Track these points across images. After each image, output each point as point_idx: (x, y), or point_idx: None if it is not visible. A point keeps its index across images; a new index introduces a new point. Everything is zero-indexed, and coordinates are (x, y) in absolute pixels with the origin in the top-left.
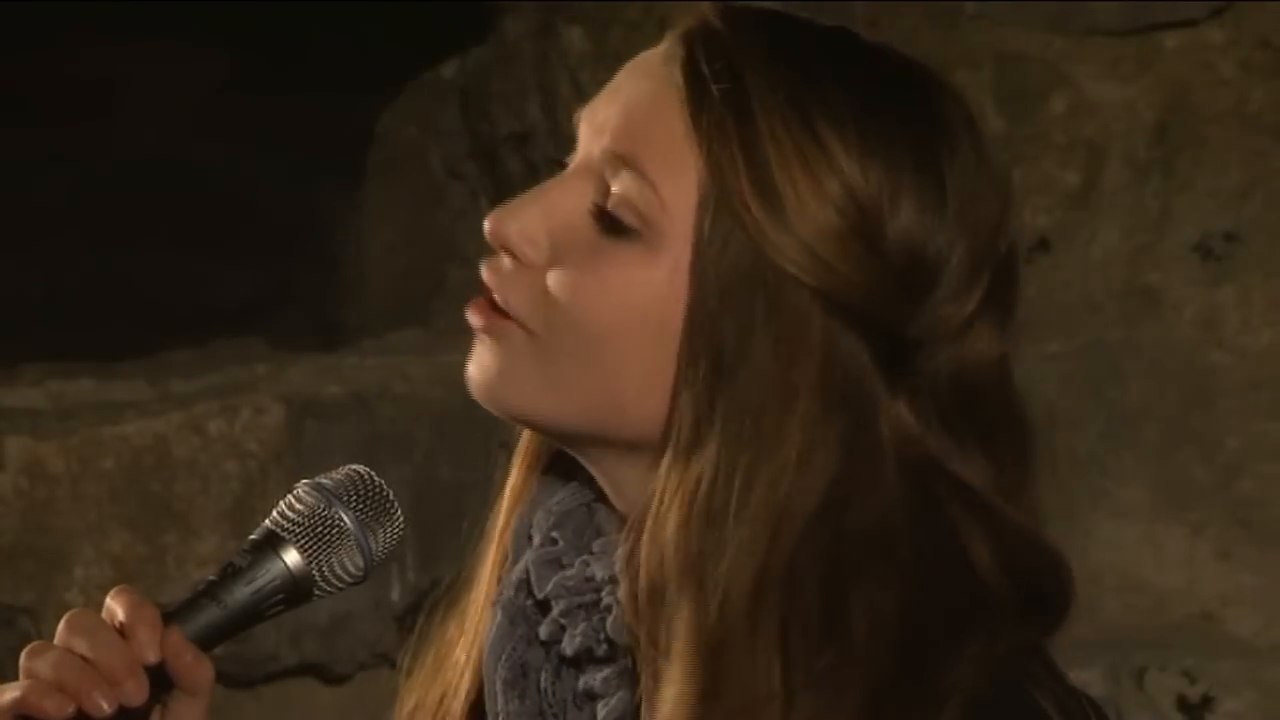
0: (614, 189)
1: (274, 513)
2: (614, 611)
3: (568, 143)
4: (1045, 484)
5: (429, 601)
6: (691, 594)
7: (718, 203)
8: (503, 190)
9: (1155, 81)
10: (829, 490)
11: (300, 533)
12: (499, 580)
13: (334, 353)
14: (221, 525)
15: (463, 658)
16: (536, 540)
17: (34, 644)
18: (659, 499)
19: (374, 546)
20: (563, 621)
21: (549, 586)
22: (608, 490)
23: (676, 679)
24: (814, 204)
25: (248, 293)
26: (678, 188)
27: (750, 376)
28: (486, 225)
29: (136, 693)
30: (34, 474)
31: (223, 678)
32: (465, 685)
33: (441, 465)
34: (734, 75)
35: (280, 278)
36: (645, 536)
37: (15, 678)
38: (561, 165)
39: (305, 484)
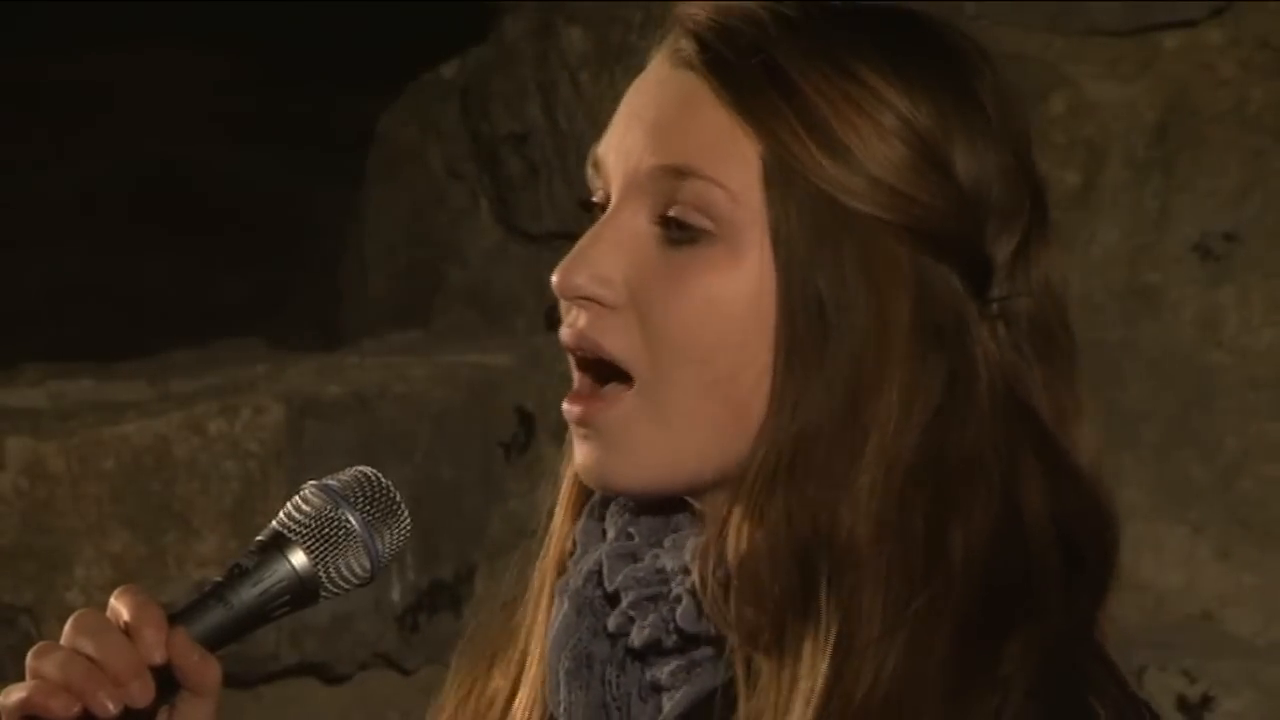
0: (678, 201)
1: (281, 514)
2: (684, 601)
3: (569, 144)
4: None
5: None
6: (808, 549)
7: (785, 173)
8: (503, 190)
9: (1155, 81)
10: (932, 422)
11: (307, 534)
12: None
13: (334, 353)
14: (221, 525)
15: (518, 656)
16: (611, 534)
17: (40, 645)
18: (758, 469)
19: (380, 548)
20: (631, 613)
21: (619, 578)
22: (698, 500)
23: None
24: (879, 142)
25: (248, 293)
26: (742, 176)
27: (850, 327)
28: (554, 282)
29: (141, 693)
30: (34, 474)
31: (222, 678)
32: (520, 685)
33: (441, 465)
34: (758, 50)
35: (280, 278)
36: (744, 511)
37: (15, 677)
38: (586, 207)
39: (312, 485)
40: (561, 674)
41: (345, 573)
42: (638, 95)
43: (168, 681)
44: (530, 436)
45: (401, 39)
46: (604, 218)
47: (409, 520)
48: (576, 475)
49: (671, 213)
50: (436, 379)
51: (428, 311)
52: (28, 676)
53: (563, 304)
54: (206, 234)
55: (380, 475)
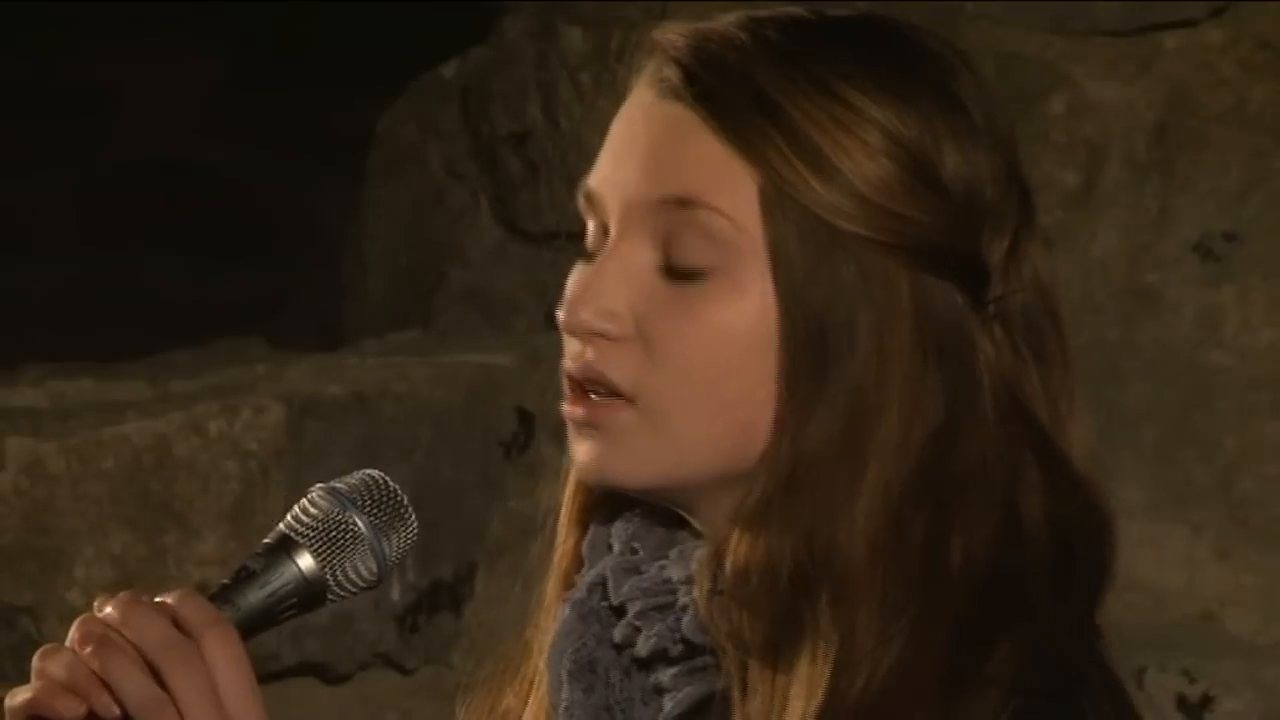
0: (680, 232)
1: (288, 517)
2: (690, 612)
3: (569, 144)
4: None
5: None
6: (803, 570)
7: (782, 199)
8: (503, 190)
9: (1155, 81)
10: (932, 440)
11: (314, 537)
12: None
13: (334, 353)
14: (221, 525)
15: (530, 674)
16: (616, 548)
17: (46, 646)
18: (758, 491)
19: (387, 551)
20: (637, 624)
21: (624, 590)
22: (695, 517)
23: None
24: (868, 162)
25: (248, 293)
26: (742, 204)
27: (850, 352)
28: (560, 319)
29: None
30: (34, 474)
31: None
32: (529, 701)
33: (441, 465)
34: (742, 75)
35: (280, 278)
36: (742, 530)
37: (15, 677)
38: (575, 238)
39: (319, 488)
40: (564, 674)
41: (352, 576)
42: (627, 127)
43: None
44: (530, 436)
45: (401, 39)
46: (606, 251)
47: (416, 524)
48: (576, 492)
49: (674, 244)
50: (436, 379)
51: (428, 311)
52: (33, 677)
53: (567, 337)
54: (206, 234)
55: (388, 479)
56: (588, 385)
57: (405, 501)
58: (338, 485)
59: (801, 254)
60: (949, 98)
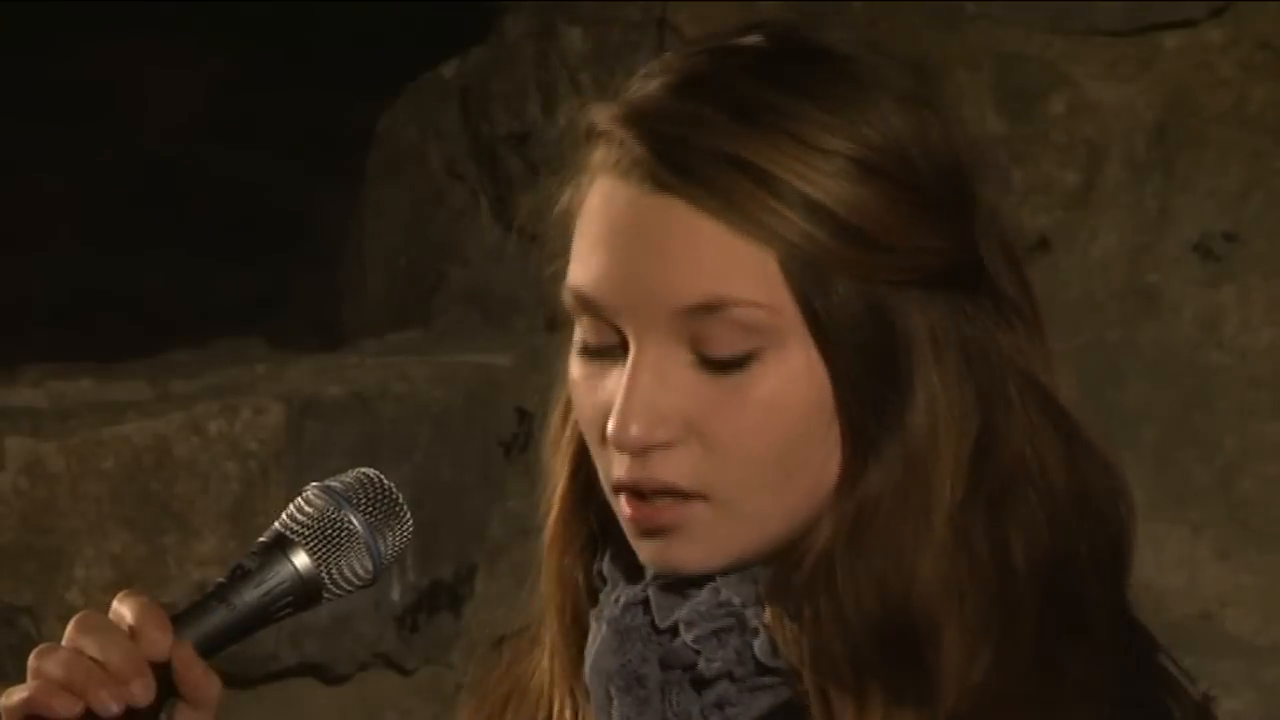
0: (714, 329)
1: (283, 515)
2: (761, 635)
3: (568, 144)
4: None
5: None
6: (881, 614)
7: (801, 265)
8: (503, 190)
9: (1155, 81)
10: (978, 446)
11: (309, 535)
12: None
13: (334, 353)
14: (221, 525)
15: (543, 682)
16: (651, 572)
17: (43, 645)
18: (823, 543)
19: (383, 549)
20: (696, 647)
21: (682, 612)
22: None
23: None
24: (850, 195)
25: (248, 293)
26: (769, 285)
27: (901, 391)
28: (611, 439)
29: (143, 692)
30: (34, 474)
31: (223, 678)
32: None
33: (441, 465)
34: (720, 151)
35: (280, 278)
36: (805, 582)
37: (15, 677)
38: (597, 311)
39: (314, 486)
40: (614, 691)
41: (348, 574)
42: (613, 226)
43: (169, 689)
44: (530, 436)
45: (401, 39)
46: (632, 358)
47: (411, 522)
48: (564, 512)
49: (708, 341)
50: (436, 379)
51: (427, 311)
52: (29, 676)
53: (613, 450)
54: (206, 234)
55: (383, 477)
56: (653, 495)
57: (400, 500)
58: (333, 484)
59: (837, 313)
60: (894, 94)
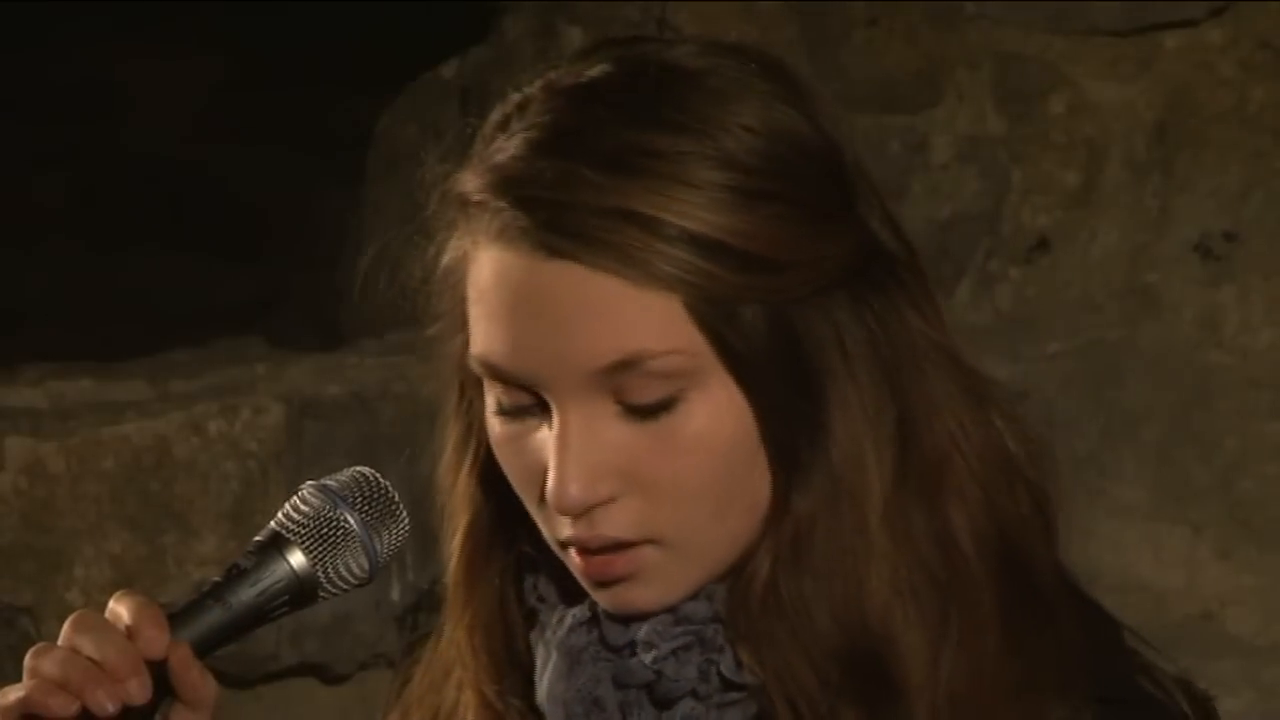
0: (633, 382)
1: (279, 514)
2: (727, 651)
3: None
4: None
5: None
6: (835, 630)
7: (705, 303)
8: None
9: (1155, 81)
10: (901, 436)
11: (305, 534)
12: (486, 614)
13: (334, 353)
14: (221, 525)
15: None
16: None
17: (39, 645)
18: (769, 562)
19: (379, 548)
20: (657, 667)
21: (640, 632)
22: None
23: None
24: (737, 223)
25: (248, 293)
26: (680, 331)
27: (822, 403)
28: (553, 504)
29: (140, 691)
30: (34, 474)
31: (223, 678)
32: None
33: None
34: (597, 208)
35: (280, 278)
36: (760, 589)
37: (15, 677)
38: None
39: (310, 485)
40: (577, 713)
41: (344, 573)
42: (514, 297)
43: (165, 689)
44: None
45: (401, 39)
46: (559, 424)
47: (407, 520)
48: (480, 545)
49: (629, 392)
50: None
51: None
52: (25, 676)
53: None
54: (206, 234)
55: (379, 475)
56: (601, 550)
57: (396, 498)
58: (329, 482)
59: (749, 343)
60: (757, 103)
